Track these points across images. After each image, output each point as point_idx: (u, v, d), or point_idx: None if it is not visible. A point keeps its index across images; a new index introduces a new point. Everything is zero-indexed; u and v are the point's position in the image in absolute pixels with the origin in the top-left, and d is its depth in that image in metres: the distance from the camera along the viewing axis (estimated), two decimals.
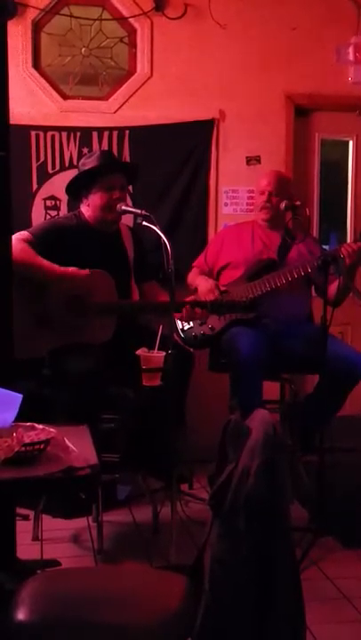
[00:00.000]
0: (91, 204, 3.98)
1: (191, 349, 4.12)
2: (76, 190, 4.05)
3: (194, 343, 4.15)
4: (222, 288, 4.20)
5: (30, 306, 3.74)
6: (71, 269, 3.75)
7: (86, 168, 4.02)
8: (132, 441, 3.95)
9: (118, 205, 3.87)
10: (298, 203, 4.14)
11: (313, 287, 4.42)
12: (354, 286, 4.11)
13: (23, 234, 3.86)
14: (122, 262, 4.08)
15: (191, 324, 4.14)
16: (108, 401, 3.77)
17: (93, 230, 4.00)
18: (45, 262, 3.76)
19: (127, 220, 4.37)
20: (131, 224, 4.51)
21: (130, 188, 4.45)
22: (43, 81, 4.87)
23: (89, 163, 4.02)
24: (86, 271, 3.77)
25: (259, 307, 4.09)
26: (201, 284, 4.31)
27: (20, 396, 2.38)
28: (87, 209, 4.01)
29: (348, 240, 5.39)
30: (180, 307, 3.84)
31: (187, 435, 4.00)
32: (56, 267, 3.75)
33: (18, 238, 3.71)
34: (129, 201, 4.62)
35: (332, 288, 3.94)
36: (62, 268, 3.75)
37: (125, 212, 3.92)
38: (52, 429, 2.32)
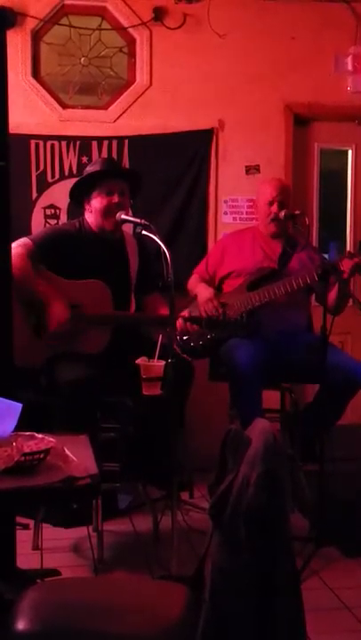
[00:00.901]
0: (92, 210, 3.98)
1: (190, 359, 4.10)
2: (79, 196, 4.06)
3: (192, 354, 4.13)
4: (222, 299, 4.19)
5: (26, 315, 3.74)
6: (54, 303, 3.75)
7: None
8: (132, 450, 3.95)
9: (118, 214, 3.87)
10: (297, 212, 4.14)
11: (313, 295, 4.42)
12: (354, 295, 4.11)
13: (24, 241, 3.86)
14: (122, 271, 4.06)
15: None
16: (108, 410, 3.76)
17: (95, 237, 4.00)
18: (41, 287, 3.75)
19: (127, 229, 4.36)
20: (130, 233, 4.50)
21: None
22: (42, 90, 4.89)
23: (91, 169, 4.05)
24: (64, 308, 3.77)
25: (258, 316, 4.08)
26: (200, 292, 4.30)
27: (19, 406, 2.37)
28: (89, 215, 4.01)
29: (348, 249, 5.41)
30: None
31: (186, 443, 3.99)
32: (49, 293, 3.75)
33: (18, 252, 3.71)
34: (129, 210, 4.61)
35: (332, 295, 3.95)
36: (51, 298, 3.75)
37: (125, 221, 3.91)
38: (51, 439, 2.31)
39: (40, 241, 3.89)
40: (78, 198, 4.07)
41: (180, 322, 3.90)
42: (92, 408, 3.64)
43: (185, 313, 4.08)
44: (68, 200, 4.76)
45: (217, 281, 4.38)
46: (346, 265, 3.89)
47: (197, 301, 4.25)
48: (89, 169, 4.10)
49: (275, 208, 4.20)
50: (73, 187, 4.08)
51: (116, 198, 3.92)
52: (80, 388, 3.57)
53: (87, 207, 4.01)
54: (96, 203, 3.95)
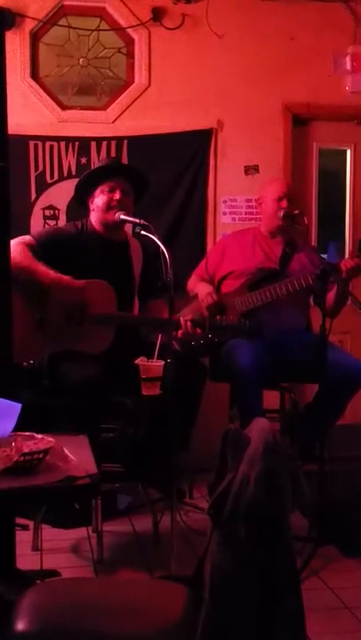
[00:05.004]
0: (95, 208, 3.98)
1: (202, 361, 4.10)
2: (84, 195, 4.05)
3: (193, 353, 4.12)
4: (223, 299, 4.18)
5: (29, 311, 3.73)
6: (65, 279, 3.72)
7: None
8: (133, 451, 3.94)
9: (117, 214, 3.87)
10: (296, 211, 4.14)
11: (312, 297, 4.42)
12: (353, 295, 4.11)
13: (25, 238, 3.86)
14: (125, 273, 4.04)
15: None
16: (107, 410, 3.75)
17: (98, 238, 3.99)
18: (40, 267, 3.72)
19: (126, 230, 4.35)
20: (130, 233, 4.50)
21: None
22: (41, 91, 4.89)
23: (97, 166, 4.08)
24: (82, 283, 3.74)
25: (258, 316, 4.08)
26: (200, 289, 4.30)
27: (19, 406, 2.37)
28: (93, 214, 4.01)
29: (347, 249, 5.41)
30: (178, 326, 3.81)
31: (189, 448, 4.00)
32: (51, 273, 3.71)
33: (19, 241, 3.72)
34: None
35: (330, 296, 3.95)
36: (55, 276, 3.72)
37: (124, 221, 3.91)
38: (50, 439, 2.31)
39: (41, 239, 3.89)
40: (83, 198, 4.07)
41: (188, 325, 3.87)
42: (98, 408, 3.63)
43: (188, 315, 4.06)
44: (68, 201, 4.78)
45: (216, 281, 4.37)
46: (346, 264, 3.90)
47: (198, 299, 4.24)
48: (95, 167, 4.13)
49: (284, 204, 4.20)
50: (78, 184, 4.09)
51: (117, 195, 3.91)
52: (90, 388, 3.57)
53: (91, 206, 4.01)
54: (98, 200, 3.95)
